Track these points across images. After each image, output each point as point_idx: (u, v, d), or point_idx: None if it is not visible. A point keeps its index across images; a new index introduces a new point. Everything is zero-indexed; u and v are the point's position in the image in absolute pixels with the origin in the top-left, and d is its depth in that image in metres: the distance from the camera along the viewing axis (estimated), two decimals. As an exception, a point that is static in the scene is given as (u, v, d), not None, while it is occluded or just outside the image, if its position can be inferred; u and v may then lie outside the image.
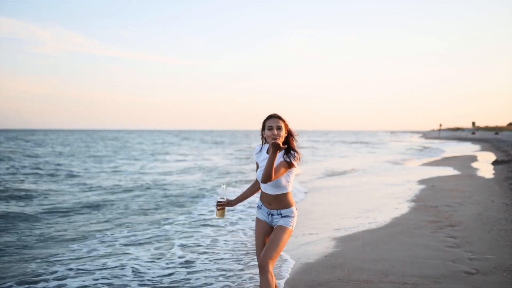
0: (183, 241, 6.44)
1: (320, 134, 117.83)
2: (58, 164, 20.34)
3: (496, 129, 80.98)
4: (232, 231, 7.05)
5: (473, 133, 71.24)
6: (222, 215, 3.37)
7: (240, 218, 7.92)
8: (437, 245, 5.62)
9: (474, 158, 21.96)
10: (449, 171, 15.78)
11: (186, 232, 7.05)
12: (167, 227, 7.44)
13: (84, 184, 13.56)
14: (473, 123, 78.29)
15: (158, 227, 7.42)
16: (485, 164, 18.05)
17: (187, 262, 5.47)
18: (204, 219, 7.97)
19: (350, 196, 10.61)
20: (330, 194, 10.90)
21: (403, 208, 8.48)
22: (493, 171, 14.79)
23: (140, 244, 6.38)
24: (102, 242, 6.51)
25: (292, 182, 3.28)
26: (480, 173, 14.46)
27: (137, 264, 5.38)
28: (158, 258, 5.65)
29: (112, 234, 6.97)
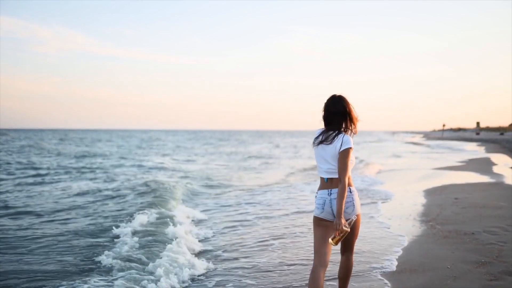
0: None
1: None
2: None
3: (499, 130, 78.76)
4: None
5: (477, 133, 68.84)
6: (336, 242, 3.04)
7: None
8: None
9: (489, 161, 19.67)
10: (467, 176, 13.45)
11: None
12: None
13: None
14: (478, 123, 75.79)
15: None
16: (505, 169, 15.76)
17: None
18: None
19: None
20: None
21: (425, 234, 6.18)
22: (519, 178, 12.52)
23: None
24: None
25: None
26: (506, 180, 12.16)
27: None
28: None
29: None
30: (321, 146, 3.19)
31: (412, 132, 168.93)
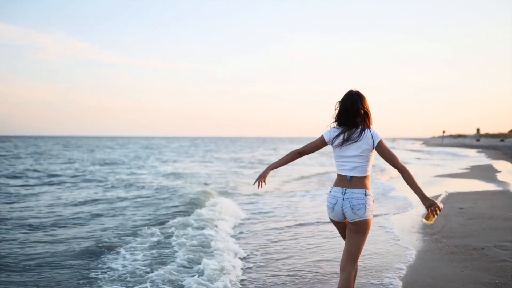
0: None
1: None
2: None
3: (500, 136, 78.37)
4: None
5: (478, 140, 68.38)
6: (432, 221, 2.96)
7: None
8: None
9: (492, 168, 19.18)
10: (471, 184, 12.97)
11: None
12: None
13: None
14: (478, 130, 75.22)
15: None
16: (510, 176, 15.27)
17: None
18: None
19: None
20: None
21: (431, 249, 5.67)
22: (525, 185, 12.03)
23: None
24: None
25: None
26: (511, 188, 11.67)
27: None
28: None
29: None
30: (344, 145, 3.03)
31: (412, 139, 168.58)
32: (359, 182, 3.02)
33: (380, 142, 3.00)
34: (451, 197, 10.19)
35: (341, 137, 3.04)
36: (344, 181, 3.05)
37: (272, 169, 3.19)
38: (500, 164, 21.56)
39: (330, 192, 3.14)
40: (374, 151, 3.06)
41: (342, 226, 3.17)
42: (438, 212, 2.90)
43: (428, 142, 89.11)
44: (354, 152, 3.01)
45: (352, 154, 3.02)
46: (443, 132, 73.31)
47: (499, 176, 15.09)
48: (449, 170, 18.69)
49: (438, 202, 2.92)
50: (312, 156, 35.94)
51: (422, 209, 8.75)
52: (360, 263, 5.13)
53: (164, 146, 64.52)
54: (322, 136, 3.15)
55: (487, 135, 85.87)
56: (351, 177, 3.03)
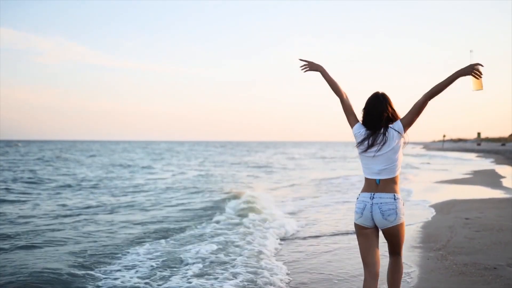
0: None
1: (321, 146, 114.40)
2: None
3: (500, 140, 77.80)
4: None
5: (479, 144, 67.83)
6: (481, 85, 2.85)
7: None
8: None
9: (495, 173, 18.54)
10: (476, 191, 12.32)
11: None
12: None
13: None
14: (479, 134, 74.63)
15: None
16: (514, 182, 14.62)
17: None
18: None
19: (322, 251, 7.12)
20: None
21: (436, 268, 5.01)
22: (532, 192, 11.38)
23: None
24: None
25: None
26: (519, 196, 11.01)
27: None
28: None
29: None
30: (369, 149, 2.98)
31: (412, 143, 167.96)
32: (387, 185, 2.95)
33: (402, 119, 2.98)
34: (455, 206, 9.55)
35: (366, 143, 2.98)
36: (372, 185, 2.99)
37: (320, 70, 3.22)
38: (503, 169, 20.92)
39: (358, 198, 3.09)
40: (402, 142, 2.98)
41: (367, 233, 3.02)
42: (480, 71, 2.80)
43: (428, 146, 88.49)
44: (382, 151, 2.95)
45: (379, 154, 2.96)
46: (444, 136, 72.74)
47: (504, 182, 14.45)
48: (452, 176, 18.05)
49: (473, 63, 2.82)
50: (312, 160, 35.34)
51: (433, 221, 8.09)
52: (344, 283, 4.53)
53: (167, 150, 64.14)
54: (354, 123, 3.10)
55: (488, 139, 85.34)
56: (381, 180, 2.97)
